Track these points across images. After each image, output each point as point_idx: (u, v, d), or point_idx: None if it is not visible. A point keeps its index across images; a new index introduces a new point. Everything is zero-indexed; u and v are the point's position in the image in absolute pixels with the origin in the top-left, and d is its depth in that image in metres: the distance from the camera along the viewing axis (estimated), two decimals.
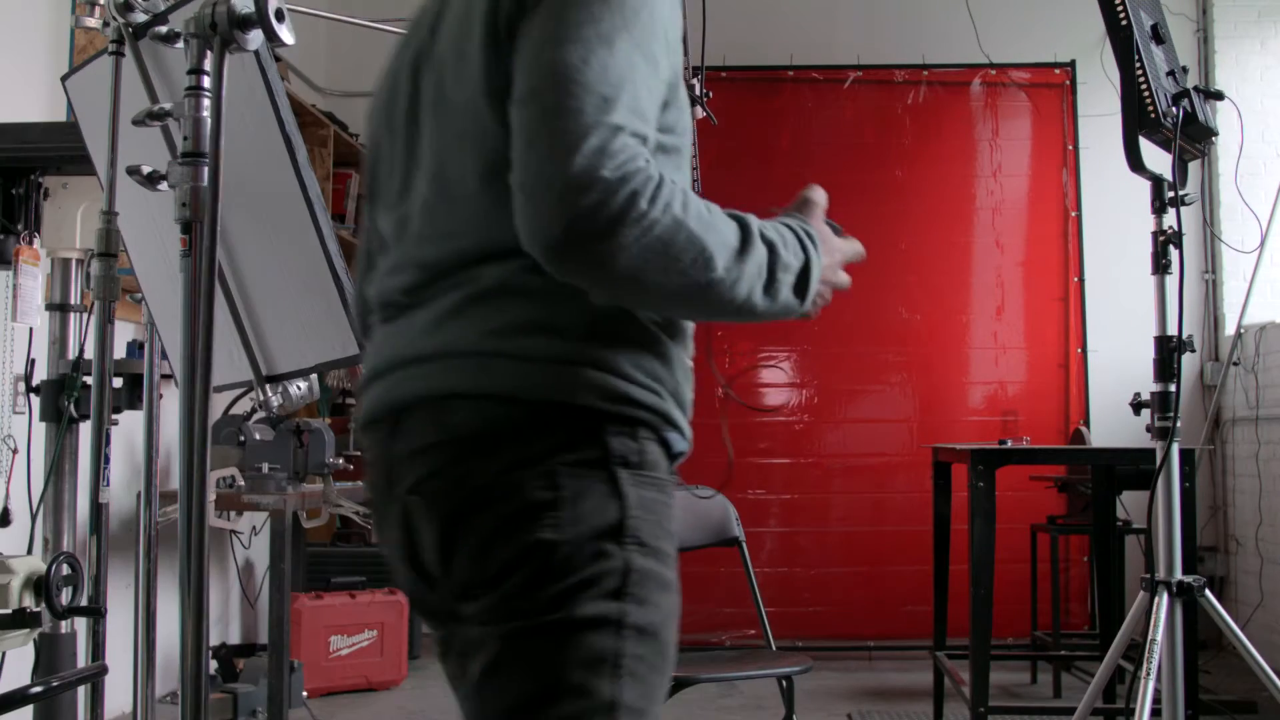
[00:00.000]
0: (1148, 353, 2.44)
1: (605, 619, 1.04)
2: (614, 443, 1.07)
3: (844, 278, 1.22)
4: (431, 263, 1.12)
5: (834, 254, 1.19)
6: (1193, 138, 2.50)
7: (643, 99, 1.02)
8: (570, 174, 0.94)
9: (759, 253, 1.05)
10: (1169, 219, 2.41)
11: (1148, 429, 2.43)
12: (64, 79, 1.75)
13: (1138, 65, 2.35)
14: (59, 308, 2.44)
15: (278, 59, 4.35)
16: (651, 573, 1.07)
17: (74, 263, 2.45)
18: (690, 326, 1.19)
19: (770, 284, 1.06)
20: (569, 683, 1.04)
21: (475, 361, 1.07)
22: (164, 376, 2.33)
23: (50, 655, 2.22)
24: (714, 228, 1.01)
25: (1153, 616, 2.33)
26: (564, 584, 1.03)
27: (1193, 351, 2.43)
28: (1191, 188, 3.25)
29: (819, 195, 1.21)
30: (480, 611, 1.07)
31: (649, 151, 1.00)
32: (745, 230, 1.05)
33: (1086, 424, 5.02)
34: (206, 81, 1.22)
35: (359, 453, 5.50)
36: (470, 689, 1.12)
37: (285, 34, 1.20)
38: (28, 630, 1.88)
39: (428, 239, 1.13)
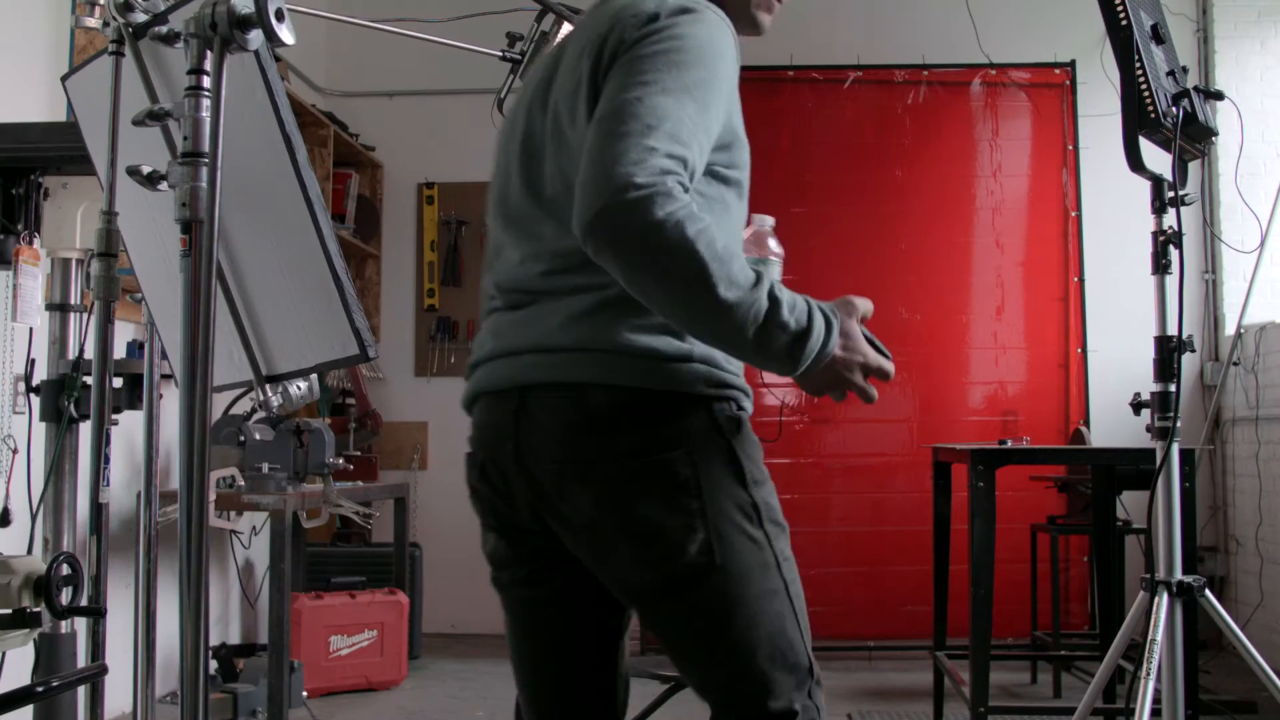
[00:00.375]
0: (1148, 353, 2.44)
1: (755, 540, 1.40)
2: (721, 419, 1.39)
3: (859, 379, 1.37)
4: (564, 252, 1.38)
5: (853, 350, 1.36)
6: (1193, 138, 2.50)
7: (684, 130, 1.27)
8: (611, 175, 1.21)
9: (760, 299, 1.25)
10: (1169, 219, 2.41)
11: (1148, 429, 2.43)
12: (64, 79, 1.75)
13: (1138, 65, 2.35)
14: (59, 308, 2.44)
15: (278, 59, 4.35)
16: (767, 498, 1.43)
17: (74, 263, 2.45)
18: None
19: (763, 330, 1.25)
20: (765, 584, 1.40)
21: (609, 357, 1.35)
22: (164, 376, 2.33)
23: (50, 655, 2.22)
24: (720, 259, 1.22)
25: (1153, 616, 2.33)
26: (709, 530, 1.35)
27: (1193, 351, 2.43)
28: (1191, 188, 3.25)
29: (862, 302, 1.41)
30: (646, 558, 1.37)
31: (687, 173, 1.25)
32: (758, 279, 1.26)
33: (1086, 424, 5.02)
34: (206, 81, 1.22)
35: (358, 453, 5.49)
36: (674, 630, 1.42)
37: (285, 34, 1.20)
38: (28, 630, 1.88)
39: (563, 235, 1.36)
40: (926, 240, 5.26)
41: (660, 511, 1.35)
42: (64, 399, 2.33)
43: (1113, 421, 4.86)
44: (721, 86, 1.34)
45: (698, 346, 1.37)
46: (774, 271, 1.54)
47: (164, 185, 1.27)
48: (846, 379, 1.35)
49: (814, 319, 1.30)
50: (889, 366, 1.39)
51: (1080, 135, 5.26)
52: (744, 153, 1.45)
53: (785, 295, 1.28)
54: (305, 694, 4.07)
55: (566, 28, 2.31)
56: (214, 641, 4.48)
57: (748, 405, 1.46)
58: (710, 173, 1.39)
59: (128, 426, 3.38)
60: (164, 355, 1.90)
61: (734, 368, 1.43)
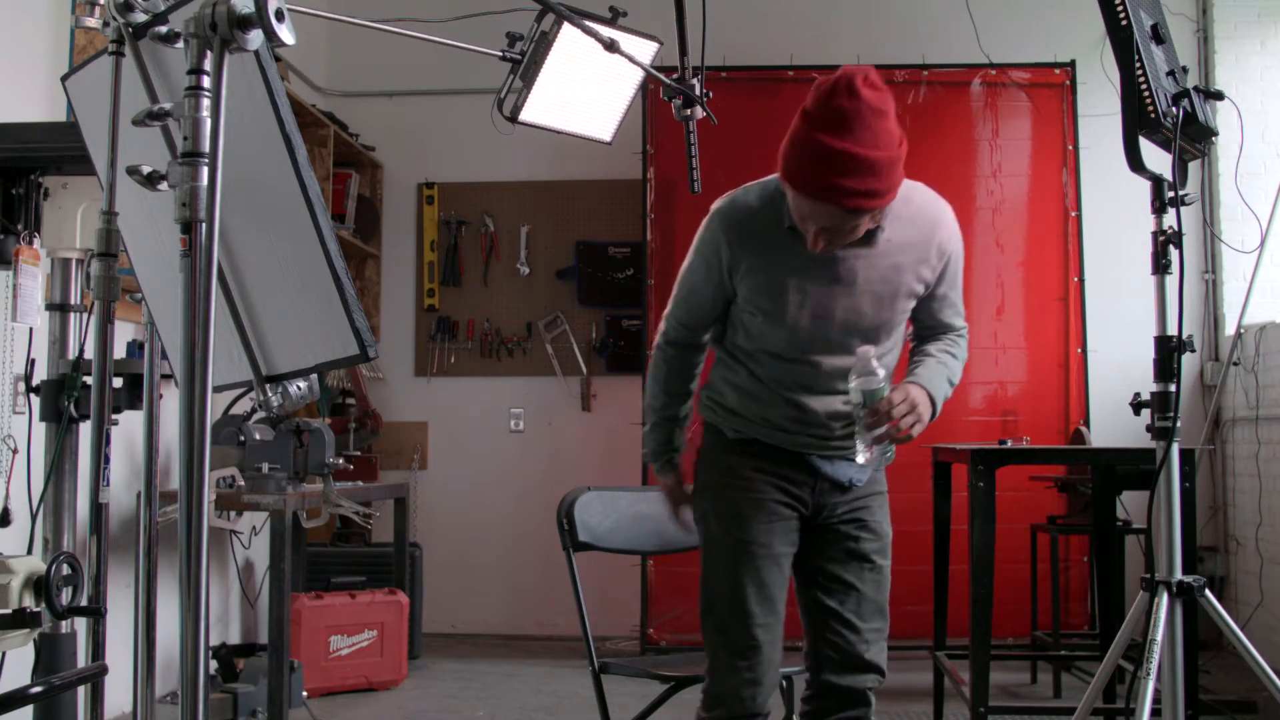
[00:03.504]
0: (1148, 353, 2.43)
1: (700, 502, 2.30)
2: (705, 435, 2.32)
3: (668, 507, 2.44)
4: None
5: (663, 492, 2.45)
6: (1193, 138, 2.50)
7: (675, 307, 2.29)
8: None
9: (650, 417, 2.38)
10: (1169, 219, 2.41)
11: (1148, 429, 2.43)
12: (64, 79, 1.75)
13: (1138, 65, 2.35)
14: (59, 308, 2.44)
15: (278, 59, 4.35)
16: (705, 482, 2.29)
17: (74, 263, 2.45)
18: (765, 387, 2.20)
19: (646, 428, 2.42)
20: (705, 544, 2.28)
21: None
22: (164, 376, 2.33)
23: (50, 655, 2.22)
24: (656, 380, 2.35)
25: (1153, 616, 2.33)
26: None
27: (1193, 351, 2.43)
28: (1191, 188, 3.25)
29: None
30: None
31: (676, 327, 2.30)
32: (649, 410, 2.39)
33: (1086, 424, 5.01)
34: (206, 81, 1.22)
35: (358, 453, 5.48)
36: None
37: (285, 34, 1.20)
38: (28, 630, 1.88)
39: None
40: None
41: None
42: (64, 399, 2.33)
43: (1113, 421, 4.86)
44: (692, 273, 2.23)
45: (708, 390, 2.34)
46: (876, 386, 2.05)
47: (164, 185, 1.27)
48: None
49: (651, 456, 2.38)
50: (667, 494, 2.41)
51: (1080, 135, 5.25)
52: (755, 294, 2.13)
53: (652, 433, 2.37)
54: (305, 694, 4.07)
55: (567, 28, 2.31)
56: (214, 641, 4.48)
57: (726, 431, 2.26)
58: (733, 319, 2.24)
59: (128, 426, 3.38)
60: (164, 355, 1.90)
61: (731, 404, 2.25)
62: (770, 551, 2.15)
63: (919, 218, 2.13)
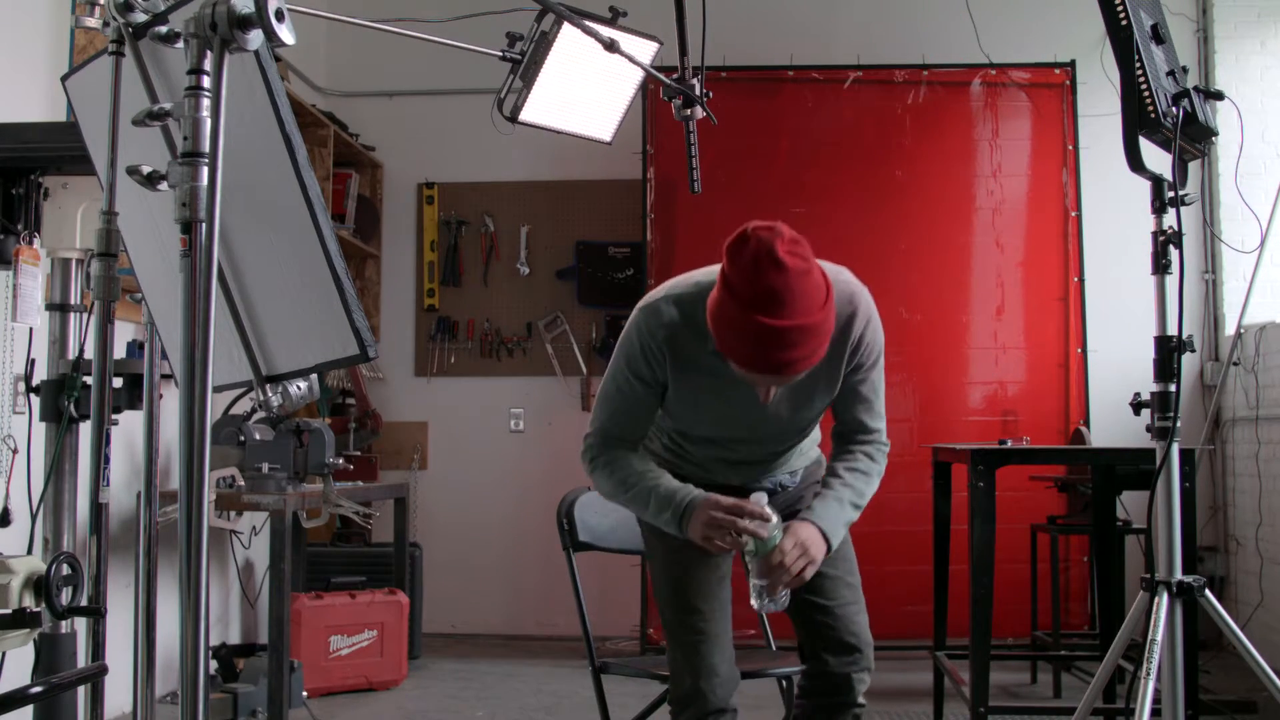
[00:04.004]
0: (1148, 353, 2.43)
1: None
2: None
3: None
4: None
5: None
6: (1193, 138, 2.50)
7: (609, 422, 2.22)
8: None
9: (635, 501, 2.22)
10: (1169, 219, 2.41)
11: (1148, 429, 2.42)
12: (64, 79, 1.75)
13: (1138, 65, 2.35)
14: (59, 308, 2.44)
15: (278, 59, 4.35)
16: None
17: (74, 263, 2.45)
18: (693, 453, 2.31)
19: (645, 513, 2.23)
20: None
21: None
22: (164, 376, 2.33)
23: (50, 655, 2.22)
24: (612, 483, 2.23)
25: (1153, 616, 2.33)
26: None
27: (1193, 351, 2.43)
28: (1191, 188, 3.25)
29: None
30: None
31: (600, 435, 2.23)
32: (631, 500, 2.22)
33: (1086, 424, 5.01)
34: (206, 81, 1.22)
35: (358, 453, 5.48)
36: None
37: (285, 34, 1.20)
38: (28, 630, 1.88)
39: None
40: (926, 240, 5.26)
41: None
42: (64, 399, 2.33)
43: (1113, 421, 4.86)
44: (617, 374, 2.18)
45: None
46: (769, 534, 2.04)
47: (164, 185, 1.26)
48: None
49: (673, 518, 2.17)
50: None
51: (1080, 135, 5.25)
52: (672, 401, 2.20)
53: (653, 501, 2.20)
54: (305, 694, 4.07)
55: (567, 28, 2.30)
56: (214, 641, 4.48)
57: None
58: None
59: (128, 426, 3.38)
60: (164, 355, 1.90)
61: (676, 460, 2.33)
62: (704, 552, 2.17)
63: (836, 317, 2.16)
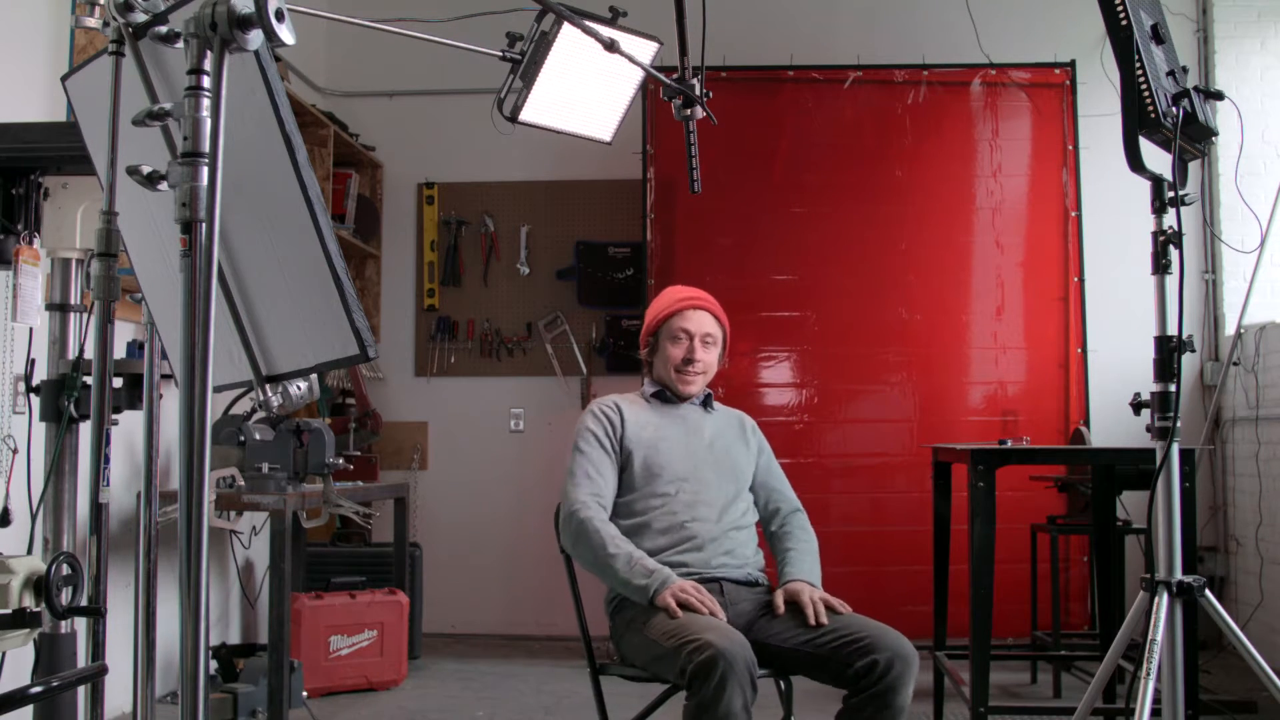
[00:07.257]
0: (1148, 353, 2.44)
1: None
2: None
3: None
4: None
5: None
6: (1193, 138, 2.50)
7: (585, 483, 2.66)
8: None
9: (618, 570, 2.58)
10: (1169, 219, 2.41)
11: (1148, 429, 2.43)
12: (64, 79, 1.75)
13: (1138, 65, 2.35)
14: (59, 308, 2.44)
15: (278, 59, 4.35)
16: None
17: (74, 263, 2.45)
18: (651, 527, 2.66)
19: (630, 580, 2.56)
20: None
21: None
22: (164, 376, 2.33)
23: (50, 655, 2.22)
24: (595, 542, 2.58)
25: (1153, 616, 2.33)
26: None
27: (1193, 351, 2.43)
28: (1191, 188, 3.25)
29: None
30: None
31: (589, 501, 2.62)
32: (616, 562, 2.58)
33: (1086, 424, 5.01)
34: (206, 81, 1.22)
35: (358, 453, 5.47)
36: None
37: (285, 34, 1.20)
38: (28, 630, 1.88)
39: None
40: (926, 240, 5.26)
41: None
42: (64, 399, 2.33)
43: (1113, 421, 4.86)
44: (591, 448, 2.69)
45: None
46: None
47: (164, 185, 1.26)
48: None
49: (654, 587, 2.52)
50: None
51: (1080, 135, 5.25)
52: (630, 461, 2.71)
53: (631, 571, 2.55)
54: (305, 694, 4.07)
55: (567, 28, 2.30)
56: (214, 641, 4.48)
57: None
58: None
59: (128, 426, 3.38)
60: (164, 355, 1.90)
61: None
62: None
63: (728, 413, 2.91)
